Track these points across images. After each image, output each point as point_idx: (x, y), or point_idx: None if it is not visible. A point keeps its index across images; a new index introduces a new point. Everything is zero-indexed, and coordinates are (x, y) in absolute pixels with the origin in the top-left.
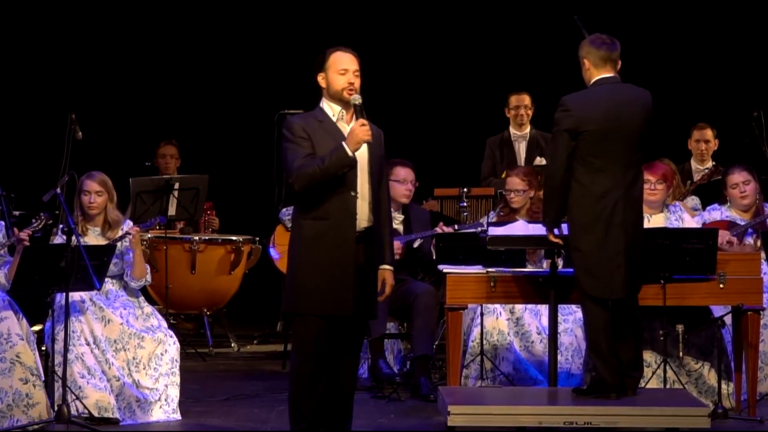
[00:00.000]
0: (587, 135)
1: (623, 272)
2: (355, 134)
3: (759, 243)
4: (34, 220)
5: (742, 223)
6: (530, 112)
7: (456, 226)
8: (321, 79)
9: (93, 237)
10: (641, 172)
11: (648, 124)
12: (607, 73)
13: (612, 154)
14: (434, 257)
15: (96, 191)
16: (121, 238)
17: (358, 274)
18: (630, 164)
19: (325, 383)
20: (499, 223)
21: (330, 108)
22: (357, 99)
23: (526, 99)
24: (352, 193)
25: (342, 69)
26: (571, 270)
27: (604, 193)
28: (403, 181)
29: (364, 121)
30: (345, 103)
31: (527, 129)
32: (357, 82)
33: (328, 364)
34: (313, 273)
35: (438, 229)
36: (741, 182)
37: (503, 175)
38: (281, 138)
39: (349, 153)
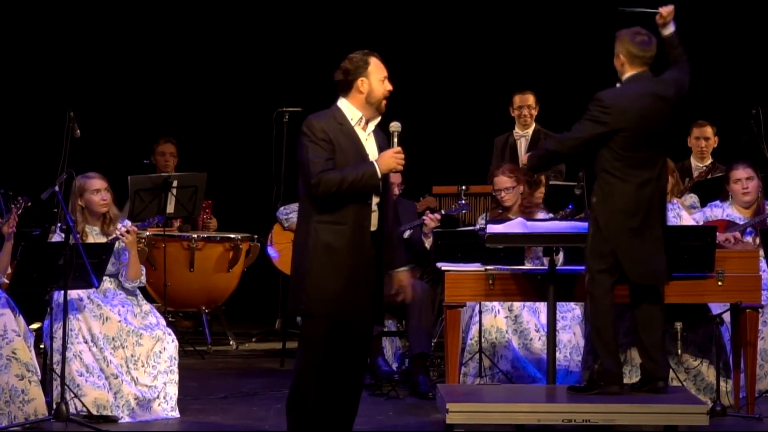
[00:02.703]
0: (624, 134)
1: (664, 259)
2: (390, 161)
3: (758, 241)
4: (13, 206)
5: (741, 222)
6: (534, 112)
7: (442, 211)
8: (362, 83)
9: (92, 237)
10: (666, 162)
11: (672, 113)
12: (640, 69)
13: (647, 149)
14: (426, 246)
15: (105, 188)
16: (116, 239)
17: (368, 277)
18: (659, 155)
19: (331, 385)
20: (497, 221)
21: (350, 111)
22: (397, 127)
23: (530, 99)
24: (368, 201)
25: (383, 76)
26: (570, 267)
27: (643, 183)
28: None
29: (400, 150)
30: (371, 110)
31: (531, 128)
32: None
33: (334, 366)
34: (330, 277)
35: (425, 218)
36: (744, 178)
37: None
38: (301, 137)
39: (379, 175)
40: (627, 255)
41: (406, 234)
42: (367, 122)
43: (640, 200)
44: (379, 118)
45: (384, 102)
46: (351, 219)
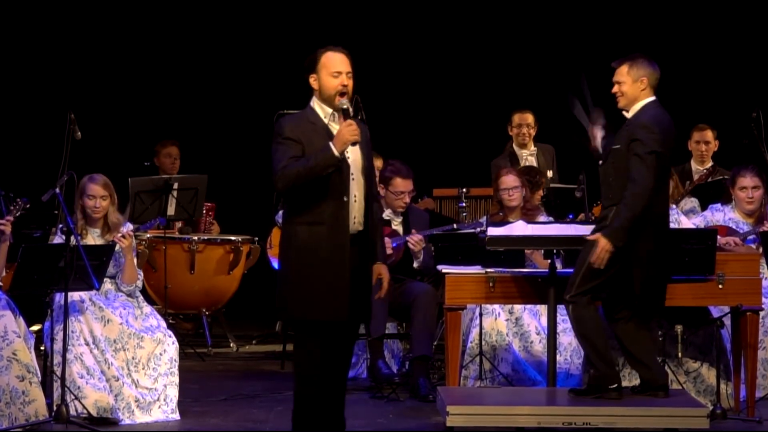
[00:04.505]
0: (663, 158)
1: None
2: (342, 135)
3: (761, 249)
4: (12, 207)
5: (744, 226)
6: (533, 131)
7: (454, 225)
8: (313, 80)
9: (92, 239)
10: None
11: None
12: (654, 96)
13: (668, 172)
14: (414, 265)
15: (101, 195)
16: (113, 243)
17: (352, 277)
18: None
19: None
20: (498, 223)
21: (321, 109)
22: (344, 104)
23: (529, 118)
24: (345, 198)
25: (335, 71)
26: (571, 270)
27: (660, 204)
28: (400, 194)
29: (351, 122)
30: (335, 106)
31: (531, 147)
32: (350, 84)
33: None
34: (311, 279)
35: (409, 241)
36: (751, 187)
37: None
38: (273, 138)
39: (336, 153)
40: (655, 283)
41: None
42: (339, 118)
43: (660, 223)
44: (351, 114)
45: (338, 98)
46: (328, 217)
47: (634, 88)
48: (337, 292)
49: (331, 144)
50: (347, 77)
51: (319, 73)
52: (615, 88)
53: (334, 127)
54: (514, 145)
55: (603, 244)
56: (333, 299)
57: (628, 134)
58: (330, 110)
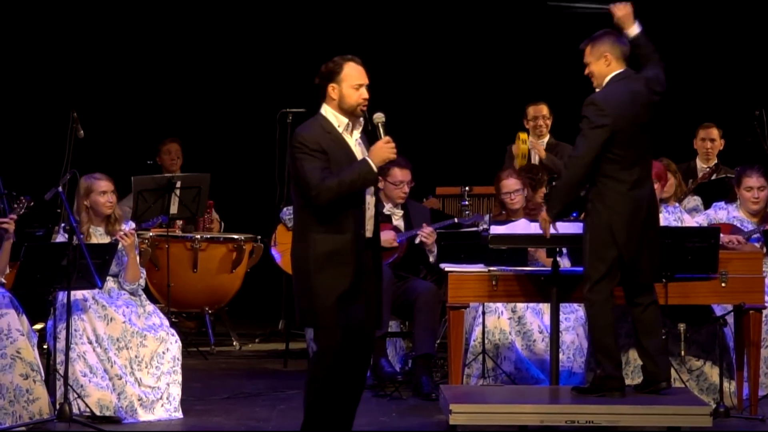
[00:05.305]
0: (621, 134)
1: (659, 258)
2: (382, 152)
3: (765, 250)
4: (15, 205)
5: (748, 227)
6: (549, 122)
7: (455, 219)
8: (332, 90)
9: (96, 238)
10: (652, 162)
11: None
12: (623, 68)
13: (640, 147)
14: (430, 260)
15: (112, 190)
16: (116, 241)
17: (366, 283)
18: (649, 153)
19: (338, 389)
20: (501, 222)
21: (336, 118)
22: (381, 117)
23: (544, 109)
24: (362, 207)
25: (357, 84)
26: (573, 269)
27: (638, 182)
28: (399, 184)
29: (389, 139)
30: (352, 116)
31: (546, 139)
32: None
33: (341, 371)
34: (336, 286)
35: (421, 235)
36: (756, 187)
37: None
38: (294, 150)
39: (375, 169)
40: (638, 257)
41: (418, 239)
42: (352, 128)
43: (638, 201)
44: (362, 125)
45: (360, 109)
46: (350, 226)
47: (599, 66)
48: (369, 299)
49: (368, 159)
50: (367, 90)
51: (341, 83)
52: (586, 70)
53: (347, 137)
54: (530, 138)
55: (543, 215)
56: (365, 306)
57: (582, 111)
58: (345, 120)
